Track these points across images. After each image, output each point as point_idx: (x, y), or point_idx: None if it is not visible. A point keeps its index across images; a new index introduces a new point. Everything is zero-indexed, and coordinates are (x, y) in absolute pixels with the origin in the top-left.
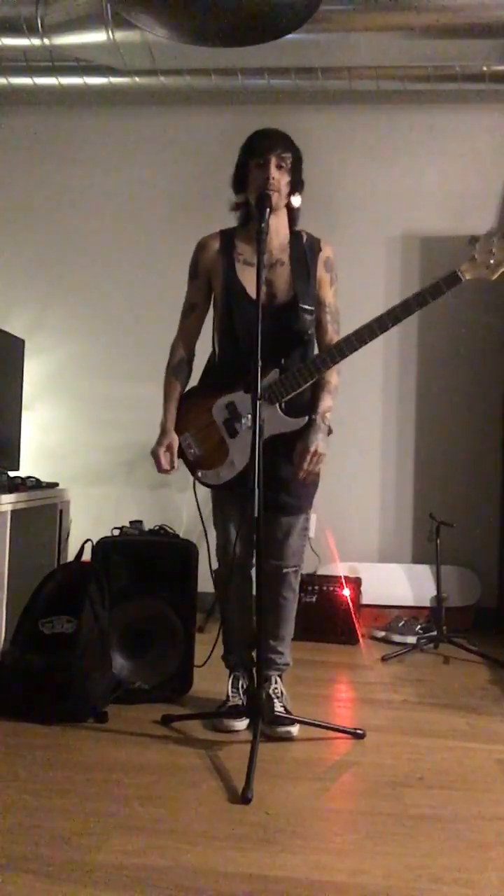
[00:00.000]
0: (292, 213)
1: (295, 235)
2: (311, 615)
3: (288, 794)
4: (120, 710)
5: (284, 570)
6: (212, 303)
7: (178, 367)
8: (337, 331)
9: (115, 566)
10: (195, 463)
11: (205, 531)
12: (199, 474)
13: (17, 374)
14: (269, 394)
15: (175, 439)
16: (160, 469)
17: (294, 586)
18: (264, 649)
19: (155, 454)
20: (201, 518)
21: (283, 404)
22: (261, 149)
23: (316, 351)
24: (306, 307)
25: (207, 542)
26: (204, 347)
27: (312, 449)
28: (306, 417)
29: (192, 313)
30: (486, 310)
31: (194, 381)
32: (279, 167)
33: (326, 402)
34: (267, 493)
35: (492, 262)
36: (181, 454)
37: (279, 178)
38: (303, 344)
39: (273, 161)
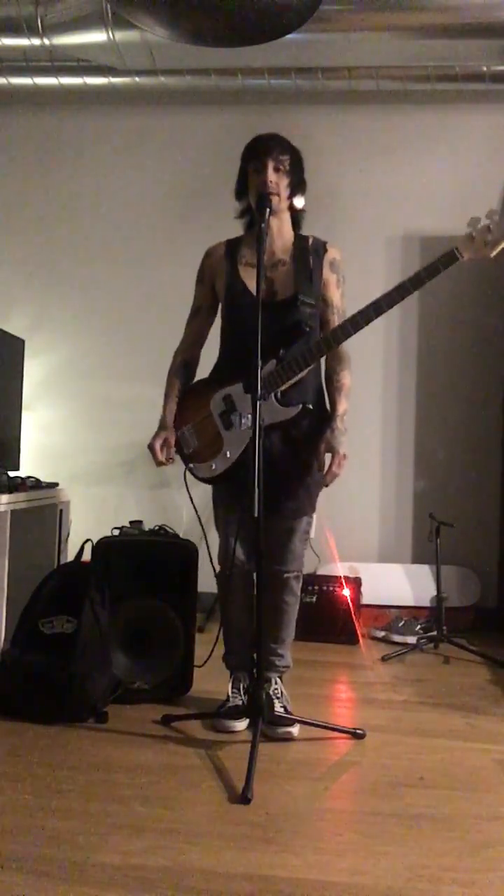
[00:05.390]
0: (296, 216)
1: (300, 238)
2: (311, 615)
3: (288, 794)
4: (120, 710)
5: (286, 575)
6: (219, 306)
7: (179, 368)
8: None
9: (115, 566)
10: (190, 456)
11: (203, 532)
12: (191, 466)
13: (17, 374)
14: (265, 384)
15: (172, 434)
16: (157, 462)
17: (295, 591)
18: (264, 651)
19: (151, 447)
20: (199, 519)
21: (278, 394)
22: (257, 153)
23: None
24: (305, 300)
25: (207, 543)
26: (212, 352)
27: (342, 453)
28: (300, 406)
29: (196, 317)
30: (486, 309)
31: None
32: (277, 170)
33: (343, 404)
34: (268, 496)
35: (489, 238)
36: (178, 448)
37: (277, 181)
38: (303, 336)
39: (270, 164)
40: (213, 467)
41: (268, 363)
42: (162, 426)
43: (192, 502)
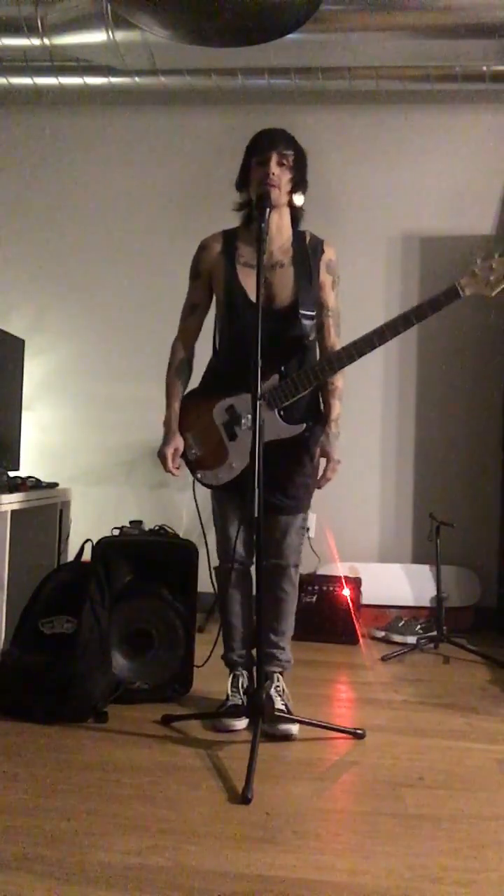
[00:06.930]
0: (295, 213)
1: (297, 235)
2: (311, 615)
3: (288, 794)
4: (120, 710)
5: (283, 566)
6: (213, 303)
7: (179, 367)
8: (338, 334)
9: (115, 566)
10: (195, 463)
11: (203, 532)
12: (199, 475)
13: (17, 374)
14: (268, 399)
15: (181, 441)
16: (167, 470)
17: (294, 580)
18: (265, 646)
19: (163, 456)
20: (200, 520)
21: (281, 410)
22: (262, 146)
23: (317, 354)
24: (306, 312)
25: (206, 543)
26: (205, 348)
27: (337, 459)
28: (304, 424)
29: (192, 314)
30: (486, 310)
31: (195, 380)
32: (280, 164)
33: (337, 408)
34: (264, 494)
35: (491, 278)
36: (182, 454)
37: (279, 175)
38: (303, 349)
39: (274, 158)
40: (220, 477)
41: (270, 378)
42: (170, 431)
43: (198, 508)
